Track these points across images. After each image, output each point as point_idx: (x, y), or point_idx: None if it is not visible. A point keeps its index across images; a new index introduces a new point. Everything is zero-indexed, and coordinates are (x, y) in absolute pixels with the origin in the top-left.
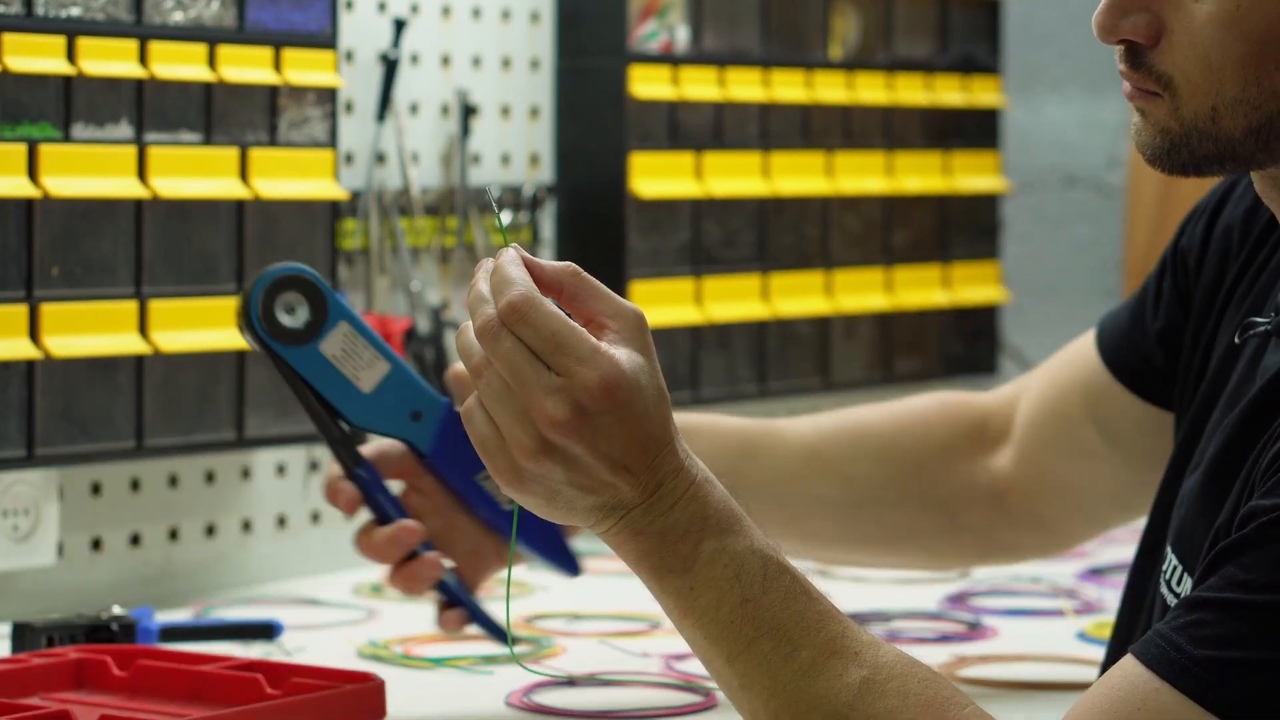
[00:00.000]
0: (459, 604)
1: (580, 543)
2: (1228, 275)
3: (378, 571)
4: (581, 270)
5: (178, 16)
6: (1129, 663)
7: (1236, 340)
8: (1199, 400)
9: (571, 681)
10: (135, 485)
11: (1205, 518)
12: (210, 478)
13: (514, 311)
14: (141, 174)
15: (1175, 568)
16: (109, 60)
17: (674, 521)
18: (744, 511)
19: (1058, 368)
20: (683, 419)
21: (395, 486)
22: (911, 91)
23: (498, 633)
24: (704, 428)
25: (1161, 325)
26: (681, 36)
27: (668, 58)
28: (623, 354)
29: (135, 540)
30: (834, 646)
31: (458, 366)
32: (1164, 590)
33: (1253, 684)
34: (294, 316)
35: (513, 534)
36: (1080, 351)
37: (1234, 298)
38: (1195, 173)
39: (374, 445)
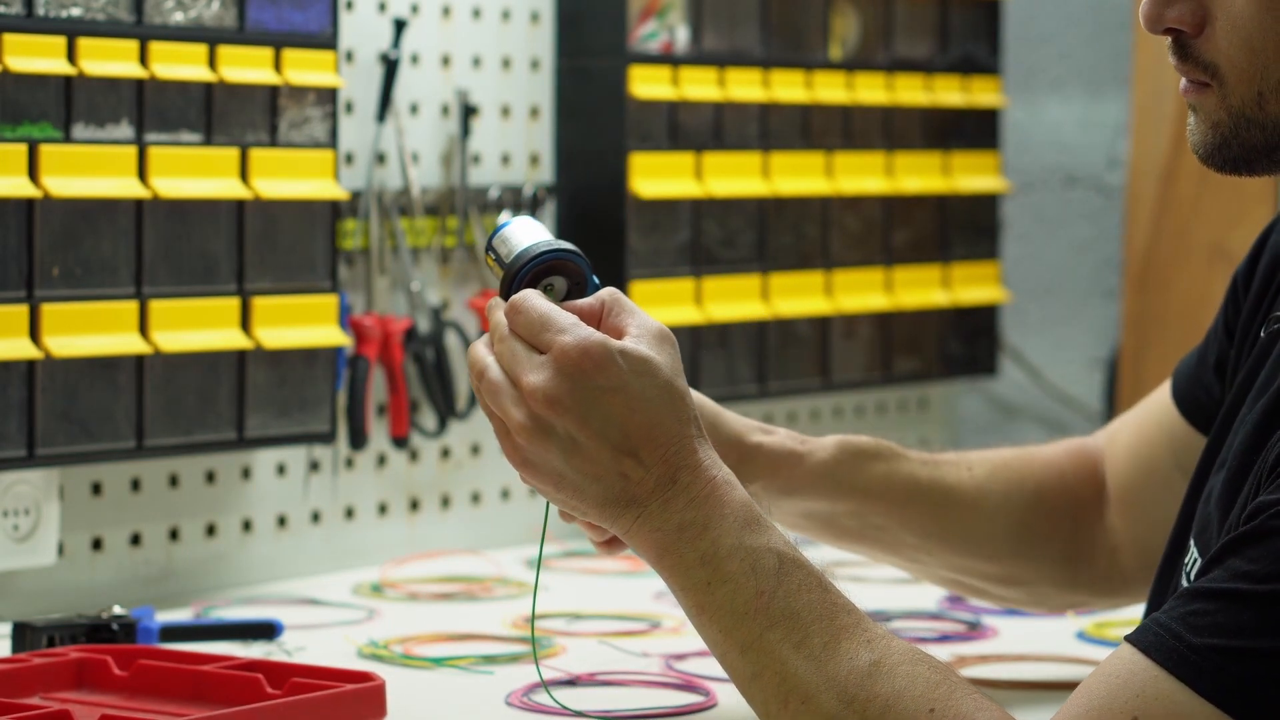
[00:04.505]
0: None
1: (579, 542)
2: (1272, 287)
3: (378, 571)
4: (620, 293)
5: (178, 17)
6: (1126, 651)
7: (1263, 334)
8: (1232, 396)
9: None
10: (135, 485)
11: (1225, 512)
12: (210, 478)
13: (511, 307)
14: (142, 174)
15: (1196, 560)
16: (109, 60)
17: (691, 518)
18: (765, 513)
19: (1143, 415)
20: (859, 441)
21: None
22: (911, 92)
23: None
24: (888, 453)
25: (1216, 357)
26: (681, 36)
27: (668, 58)
28: (625, 341)
29: (136, 540)
30: (845, 634)
31: None
32: (1184, 582)
33: (1253, 673)
34: (552, 293)
35: (544, 521)
36: (1160, 396)
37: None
38: (1247, 169)
39: None
